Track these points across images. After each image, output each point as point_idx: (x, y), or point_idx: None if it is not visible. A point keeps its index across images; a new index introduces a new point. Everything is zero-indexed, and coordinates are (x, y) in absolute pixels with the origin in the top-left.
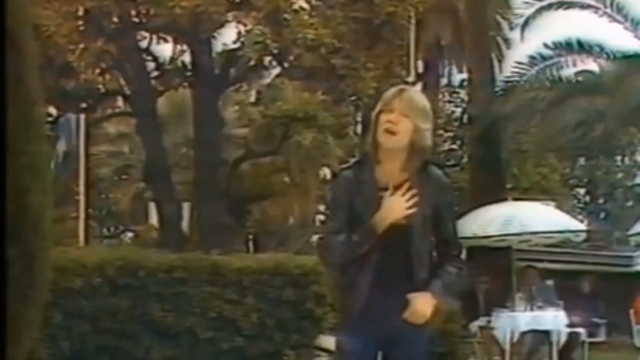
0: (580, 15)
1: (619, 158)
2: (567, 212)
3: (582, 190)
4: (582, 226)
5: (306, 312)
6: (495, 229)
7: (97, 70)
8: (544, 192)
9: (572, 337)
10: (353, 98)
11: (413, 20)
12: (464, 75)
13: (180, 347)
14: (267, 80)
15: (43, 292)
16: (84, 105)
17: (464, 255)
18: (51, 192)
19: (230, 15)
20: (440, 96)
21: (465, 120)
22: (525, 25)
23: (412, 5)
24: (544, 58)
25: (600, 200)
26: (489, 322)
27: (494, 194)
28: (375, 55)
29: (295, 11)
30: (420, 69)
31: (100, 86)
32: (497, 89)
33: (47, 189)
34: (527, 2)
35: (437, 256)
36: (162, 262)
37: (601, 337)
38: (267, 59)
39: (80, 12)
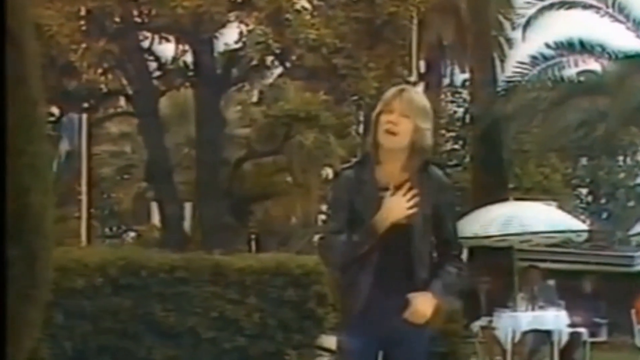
0: (582, 15)
1: (620, 158)
2: (569, 212)
3: (584, 191)
4: (584, 226)
5: (308, 312)
6: (497, 229)
7: (100, 70)
8: (546, 192)
9: (574, 337)
10: (355, 98)
11: (415, 20)
12: (466, 75)
13: (182, 346)
14: (269, 80)
15: (44, 292)
16: (86, 105)
17: (465, 255)
18: (53, 192)
19: (232, 15)
20: (442, 96)
21: (467, 120)
22: (527, 25)
23: (414, 5)
24: (545, 58)
25: (603, 201)
26: (490, 322)
27: (495, 194)
28: (377, 55)
29: (297, 11)
30: (423, 69)
31: (103, 86)
32: (499, 89)
33: (48, 189)
34: (529, 2)
35: (438, 256)
36: (164, 262)
37: (602, 337)
38: (269, 58)
39: (83, 12)
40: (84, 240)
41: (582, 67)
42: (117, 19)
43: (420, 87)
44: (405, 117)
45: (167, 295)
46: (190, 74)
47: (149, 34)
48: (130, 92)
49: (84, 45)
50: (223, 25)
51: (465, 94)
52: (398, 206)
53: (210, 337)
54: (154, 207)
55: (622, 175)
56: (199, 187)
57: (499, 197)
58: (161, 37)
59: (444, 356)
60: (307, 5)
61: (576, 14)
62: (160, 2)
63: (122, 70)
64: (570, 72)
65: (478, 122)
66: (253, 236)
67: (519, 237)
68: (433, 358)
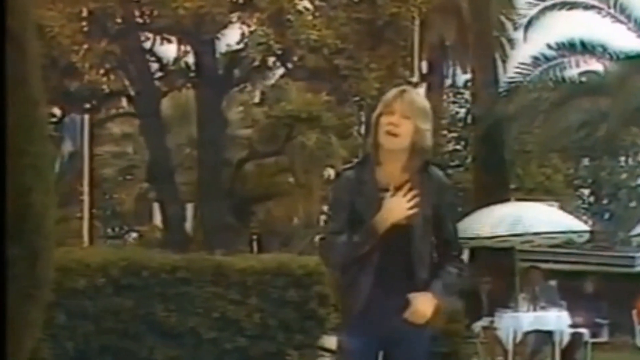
0: (584, 15)
1: (622, 159)
2: (571, 213)
3: (586, 191)
4: (585, 227)
5: (309, 313)
6: (498, 230)
7: (101, 71)
8: (548, 192)
9: (575, 337)
10: (356, 99)
11: (417, 21)
12: (468, 76)
13: (184, 347)
14: (271, 81)
15: (46, 292)
16: (88, 105)
17: (467, 256)
18: (54, 192)
19: (233, 16)
20: (444, 97)
21: (469, 120)
22: (528, 25)
23: (416, 6)
24: (547, 58)
25: (604, 201)
26: (492, 322)
27: (497, 194)
28: (379, 56)
29: (299, 12)
30: (424, 70)
31: (104, 87)
32: (500, 89)
33: (49, 189)
34: (530, 3)
35: (438, 256)
36: (165, 263)
37: (604, 338)
38: (271, 59)
39: (84, 13)
40: (86, 241)
41: (584, 67)
42: (119, 20)
43: (422, 88)
44: (406, 118)
45: (168, 296)
46: (192, 74)
47: (150, 35)
48: (132, 92)
49: (85, 46)
50: (225, 26)
51: (467, 94)
52: (398, 207)
53: (211, 338)
54: (156, 207)
55: (624, 175)
56: (201, 187)
57: (500, 197)
58: (163, 38)
59: (446, 356)
60: (309, 6)
61: (578, 14)
62: (162, 3)
63: (124, 71)
64: (572, 72)
65: (480, 123)
66: (255, 237)
67: (521, 238)
68: (435, 358)
